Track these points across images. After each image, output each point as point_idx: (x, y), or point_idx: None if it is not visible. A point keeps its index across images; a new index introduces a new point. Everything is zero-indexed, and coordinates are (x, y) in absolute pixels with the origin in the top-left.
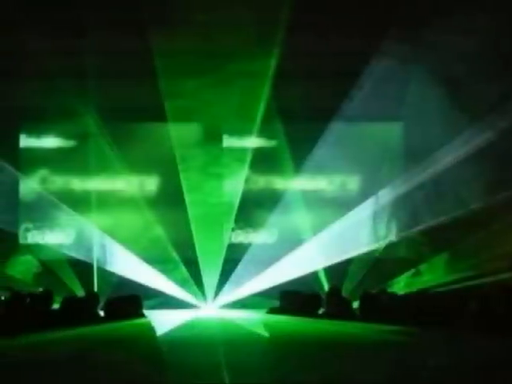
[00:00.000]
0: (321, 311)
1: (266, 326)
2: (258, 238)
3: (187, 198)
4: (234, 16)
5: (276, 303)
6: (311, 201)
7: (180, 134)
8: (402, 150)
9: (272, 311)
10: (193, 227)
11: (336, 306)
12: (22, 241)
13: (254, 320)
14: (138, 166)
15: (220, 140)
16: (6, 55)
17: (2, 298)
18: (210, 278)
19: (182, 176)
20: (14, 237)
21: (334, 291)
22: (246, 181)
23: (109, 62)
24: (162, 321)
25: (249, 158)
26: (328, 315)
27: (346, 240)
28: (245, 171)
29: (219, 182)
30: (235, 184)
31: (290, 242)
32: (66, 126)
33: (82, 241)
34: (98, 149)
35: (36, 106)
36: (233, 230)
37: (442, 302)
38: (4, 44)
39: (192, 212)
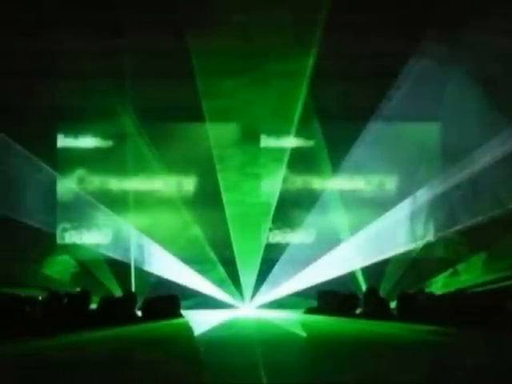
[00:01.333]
0: (358, 311)
1: (304, 325)
2: (296, 237)
3: (225, 197)
4: (272, 16)
5: (313, 303)
6: (349, 201)
7: (218, 133)
8: (440, 150)
9: (309, 311)
10: (230, 227)
11: (373, 306)
12: (59, 241)
13: (292, 320)
14: (176, 166)
15: (258, 140)
16: (44, 55)
17: (40, 298)
18: (248, 278)
19: (219, 176)
20: (52, 237)
21: (372, 291)
22: (284, 181)
23: (147, 61)
24: (200, 321)
25: (286, 157)
26: (365, 315)
27: (384, 240)
28: (282, 171)
29: (257, 181)
30: (273, 184)
31: (328, 242)
32: (103, 126)
33: (119, 241)
34: (135, 149)
35: (74, 106)
36: (270, 229)
37: (479, 301)
38: (42, 44)
39: (230, 212)
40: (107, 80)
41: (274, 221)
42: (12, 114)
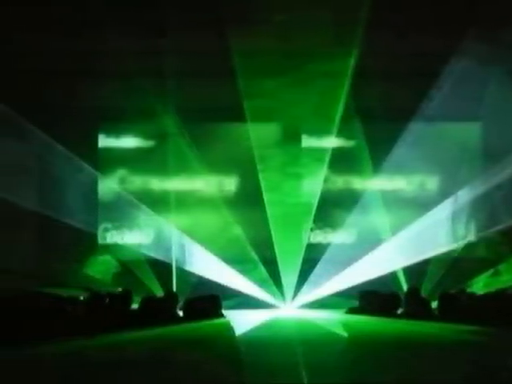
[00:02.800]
0: (400, 311)
1: (345, 325)
2: (337, 238)
3: (266, 197)
4: (314, 15)
5: (355, 303)
6: (390, 201)
7: (259, 133)
8: (481, 149)
9: (351, 311)
10: (271, 227)
11: (415, 306)
12: (100, 241)
13: (333, 320)
14: (217, 166)
15: (299, 140)
16: (85, 55)
17: (82, 298)
18: (289, 277)
19: (260, 176)
20: (93, 237)
21: (413, 291)
22: (325, 181)
23: (189, 61)
24: (241, 321)
25: (328, 158)
26: (407, 315)
27: (425, 240)
28: (324, 171)
29: (298, 181)
30: (314, 184)
31: (369, 242)
32: (144, 126)
33: (160, 241)
34: (176, 149)
35: (115, 106)
36: (311, 230)
37: None
38: (86, 44)
39: (271, 212)
40: (149, 80)
41: (315, 221)
42: (55, 114)
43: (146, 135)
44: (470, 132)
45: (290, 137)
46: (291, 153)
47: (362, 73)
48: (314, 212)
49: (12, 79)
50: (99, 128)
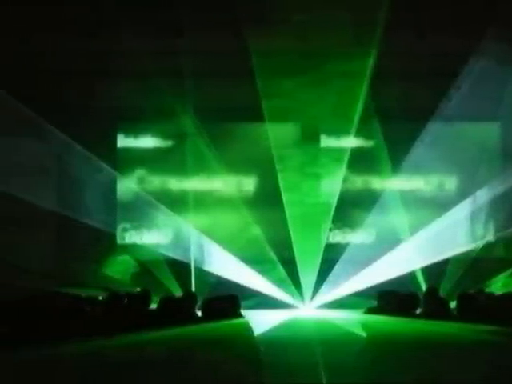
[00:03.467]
0: (418, 311)
1: (364, 326)
2: (356, 238)
3: (285, 197)
4: (332, 15)
5: (373, 303)
6: (408, 201)
7: (278, 133)
8: (499, 149)
9: (369, 311)
10: (290, 227)
11: (433, 306)
12: (119, 241)
13: (352, 320)
14: (236, 166)
15: (318, 140)
16: (104, 55)
17: (100, 298)
18: (308, 277)
19: (279, 176)
20: (112, 237)
21: (432, 291)
22: (344, 181)
23: (206, 61)
24: (260, 321)
25: (346, 158)
26: (425, 315)
27: (444, 240)
28: (342, 171)
29: (317, 181)
30: (333, 184)
31: (388, 242)
32: (163, 126)
33: (179, 241)
34: (195, 149)
35: (133, 106)
36: (330, 230)
37: None
38: (102, 44)
39: (289, 212)
40: (167, 80)
41: (333, 221)
42: (73, 114)
43: (164, 135)
44: (488, 132)
45: (309, 137)
46: (310, 153)
47: (380, 73)
48: (332, 212)
49: (31, 79)
50: (118, 128)
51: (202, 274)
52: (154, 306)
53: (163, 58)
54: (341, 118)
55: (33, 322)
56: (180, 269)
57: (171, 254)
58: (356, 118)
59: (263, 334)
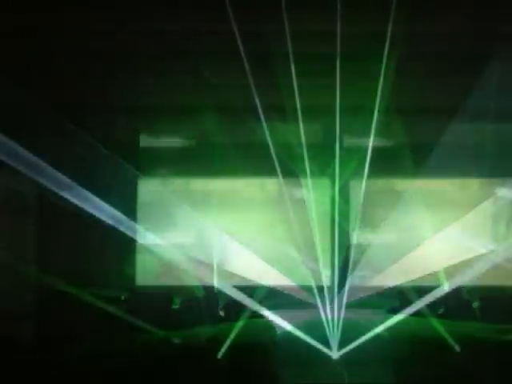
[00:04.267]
0: (441, 311)
1: (386, 325)
2: (379, 238)
3: (307, 198)
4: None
5: (396, 303)
6: (431, 201)
7: (300, 133)
8: None
9: (392, 311)
10: (313, 228)
11: (457, 306)
12: (141, 241)
13: (374, 320)
14: (259, 167)
15: (340, 140)
16: (127, 55)
17: (123, 298)
18: (330, 278)
19: (301, 176)
20: (134, 236)
21: (455, 291)
22: (366, 181)
23: (227, 62)
24: (282, 321)
25: (368, 158)
26: (448, 315)
27: (466, 241)
28: (365, 171)
29: (339, 182)
30: (355, 185)
31: (411, 243)
32: (185, 126)
33: (201, 241)
34: (218, 149)
35: (156, 106)
36: (353, 230)
37: None
38: (125, 45)
39: (312, 212)
40: (190, 79)
41: (356, 221)
42: (95, 114)
43: (186, 135)
44: None
45: (330, 137)
46: (331, 152)
47: (401, 72)
48: (355, 212)
49: (55, 79)
50: (140, 127)
51: (224, 275)
52: (176, 306)
53: (186, 57)
54: (363, 118)
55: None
56: (202, 269)
57: (193, 255)
58: (378, 117)
59: (285, 334)
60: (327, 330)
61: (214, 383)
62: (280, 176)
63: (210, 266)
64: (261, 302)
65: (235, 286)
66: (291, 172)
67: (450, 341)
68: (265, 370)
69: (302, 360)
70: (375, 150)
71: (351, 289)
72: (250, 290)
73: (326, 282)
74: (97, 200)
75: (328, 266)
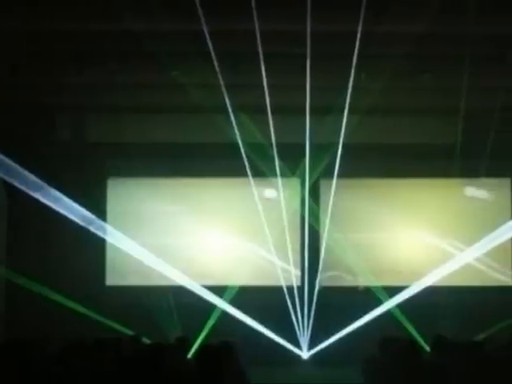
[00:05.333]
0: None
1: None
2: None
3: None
4: None
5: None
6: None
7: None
8: None
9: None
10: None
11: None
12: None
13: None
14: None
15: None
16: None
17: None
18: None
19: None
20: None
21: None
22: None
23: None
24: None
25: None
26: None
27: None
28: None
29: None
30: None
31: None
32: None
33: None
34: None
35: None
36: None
37: None
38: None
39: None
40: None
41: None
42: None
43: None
44: None
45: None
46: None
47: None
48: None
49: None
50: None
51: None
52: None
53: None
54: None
55: None
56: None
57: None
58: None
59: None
60: (297, 330)
61: (183, 383)
62: (250, 176)
63: (179, 266)
64: (230, 302)
65: (204, 286)
66: (261, 172)
67: (420, 340)
68: (234, 370)
69: (272, 360)
70: (345, 149)
71: (321, 289)
72: (220, 289)
73: (296, 282)
74: (66, 200)
75: (298, 266)
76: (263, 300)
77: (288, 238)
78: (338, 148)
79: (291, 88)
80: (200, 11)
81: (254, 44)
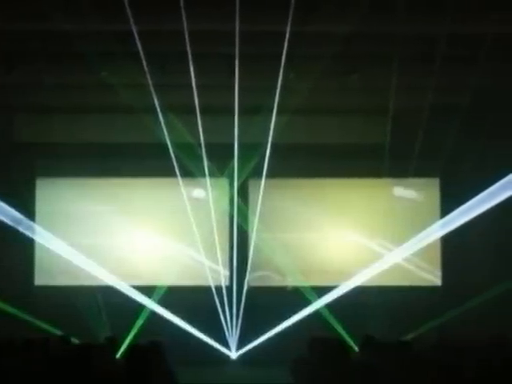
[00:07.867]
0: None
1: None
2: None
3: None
4: None
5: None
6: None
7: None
8: None
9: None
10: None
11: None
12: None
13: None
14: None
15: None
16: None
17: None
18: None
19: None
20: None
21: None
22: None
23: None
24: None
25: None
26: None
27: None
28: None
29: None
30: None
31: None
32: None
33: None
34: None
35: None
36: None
37: None
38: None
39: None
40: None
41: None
42: None
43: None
44: None
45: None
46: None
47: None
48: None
49: None
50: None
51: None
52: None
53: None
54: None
55: None
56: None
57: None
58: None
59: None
60: (226, 330)
61: (111, 383)
62: (178, 176)
63: (108, 266)
64: (159, 302)
65: (133, 286)
66: (190, 172)
67: (348, 340)
68: (163, 370)
69: (200, 360)
70: (274, 149)
71: (250, 289)
72: (149, 289)
73: (224, 282)
74: None
75: (227, 266)
76: (192, 300)
77: (217, 237)
78: (266, 148)
79: (219, 88)
80: (128, 11)
81: (182, 44)
